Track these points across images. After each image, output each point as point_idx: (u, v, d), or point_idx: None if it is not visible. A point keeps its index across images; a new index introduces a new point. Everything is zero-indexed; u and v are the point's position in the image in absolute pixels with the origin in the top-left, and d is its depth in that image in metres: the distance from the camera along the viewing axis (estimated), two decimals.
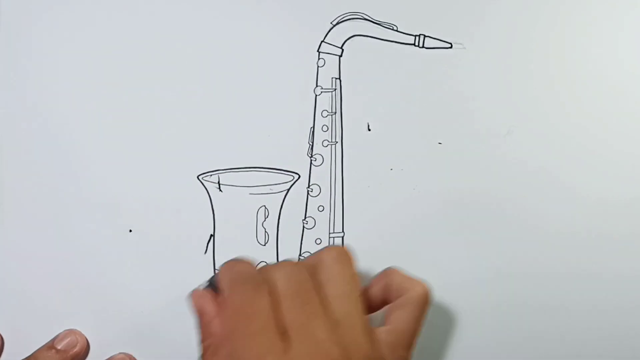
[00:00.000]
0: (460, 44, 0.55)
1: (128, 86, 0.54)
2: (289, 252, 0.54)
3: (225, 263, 0.47)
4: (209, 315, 0.46)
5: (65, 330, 0.54)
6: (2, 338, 0.54)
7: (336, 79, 0.54)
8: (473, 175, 0.54)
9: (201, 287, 0.47)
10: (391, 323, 0.46)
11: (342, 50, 0.54)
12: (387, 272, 0.48)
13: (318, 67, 0.54)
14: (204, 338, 0.46)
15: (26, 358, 0.53)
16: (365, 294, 0.47)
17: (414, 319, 0.46)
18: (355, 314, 0.44)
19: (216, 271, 0.54)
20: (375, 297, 0.48)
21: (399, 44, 0.54)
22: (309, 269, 0.45)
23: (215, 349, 0.44)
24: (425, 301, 0.46)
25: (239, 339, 0.43)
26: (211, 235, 0.54)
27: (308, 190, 0.55)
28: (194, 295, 0.47)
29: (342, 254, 0.46)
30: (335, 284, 0.45)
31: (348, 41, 0.54)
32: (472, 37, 0.55)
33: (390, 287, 0.47)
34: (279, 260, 0.54)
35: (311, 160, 0.55)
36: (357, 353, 0.43)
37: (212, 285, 0.47)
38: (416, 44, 0.54)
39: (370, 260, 0.54)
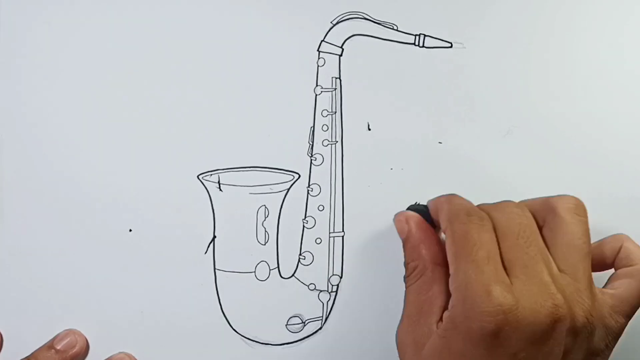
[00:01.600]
0: (460, 43, 0.55)
1: (128, 86, 0.54)
2: (289, 251, 0.54)
3: (441, 196, 0.47)
4: (416, 238, 0.47)
5: (64, 330, 0.53)
6: (1, 336, 0.54)
7: (336, 78, 0.54)
8: (473, 175, 0.54)
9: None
10: (616, 288, 0.46)
11: (342, 49, 0.54)
12: (620, 237, 0.48)
13: (318, 66, 0.54)
14: (411, 259, 0.46)
15: (26, 358, 0.53)
16: (592, 252, 0.46)
17: (639, 291, 0.46)
18: (582, 268, 0.44)
19: (216, 272, 0.54)
20: (599, 258, 0.47)
21: (399, 44, 0.54)
22: (534, 211, 0.46)
23: (421, 270, 0.46)
24: (578, 212, 0.46)
25: (466, 265, 0.43)
26: (213, 237, 0.54)
27: (308, 190, 0.55)
28: (400, 216, 0.48)
29: (578, 206, 0.46)
30: (566, 234, 0.44)
31: (348, 41, 0.54)
32: (472, 37, 0.55)
33: (621, 253, 0.47)
34: (279, 257, 0.54)
35: (311, 159, 0.54)
36: (579, 305, 0.43)
37: (416, 210, 0.49)
38: (416, 43, 0.54)
39: (370, 260, 0.54)
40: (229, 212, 0.54)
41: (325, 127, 0.54)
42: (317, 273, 0.55)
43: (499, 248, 0.44)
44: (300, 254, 0.55)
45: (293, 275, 0.55)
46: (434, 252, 0.47)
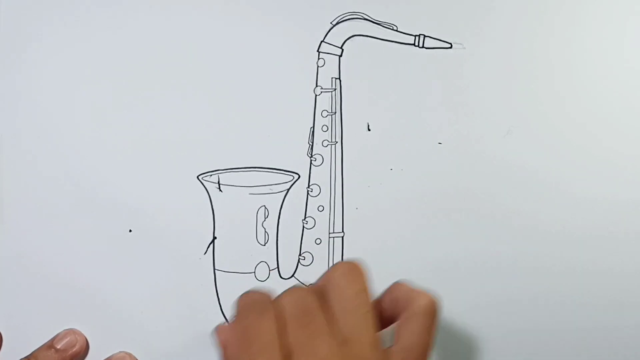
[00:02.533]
0: (460, 44, 0.55)
1: (128, 87, 0.54)
2: (289, 252, 0.54)
3: (242, 294, 0.46)
4: (223, 341, 0.45)
5: (64, 330, 0.54)
6: (0, 335, 0.54)
7: (336, 79, 0.54)
8: (473, 175, 0.54)
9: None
10: (400, 339, 0.44)
11: (342, 50, 0.54)
12: (393, 286, 0.47)
13: (318, 67, 0.54)
14: None
15: (26, 357, 0.53)
16: (376, 309, 0.45)
17: (422, 332, 0.44)
18: (363, 329, 0.43)
19: (215, 275, 0.54)
20: (385, 312, 0.46)
21: (399, 44, 0.54)
22: (318, 289, 0.45)
23: None
24: (431, 312, 0.44)
25: (242, 359, 0.43)
26: (214, 238, 0.54)
27: (308, 190, 0.55)
28: (217, 329, 0.47)
29: (351, 269, 0.44)
30: (342, 300, 0.43)
31: (348, 41, 0.54)
32: (472, 37, 0.55)
33: (397, 302, 0.46)
34: (279, 257, 0.54)
35: (311, 160, 0.55)
36: None
37: None
38: (416, 44, 0.54)
39: (370, 260, 0.54)
40: (229, 213, 0.54)
41: (325, 128, 0.54)
42: (317, 273, 0.54)
43: (287, 333, 0.43)
44: (300, 255, 0.55)
45: (293, 275, 0.55)
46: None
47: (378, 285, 0.54)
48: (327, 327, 0.43)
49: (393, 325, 0.45)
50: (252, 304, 0.45)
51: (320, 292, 0.45)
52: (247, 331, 0.43)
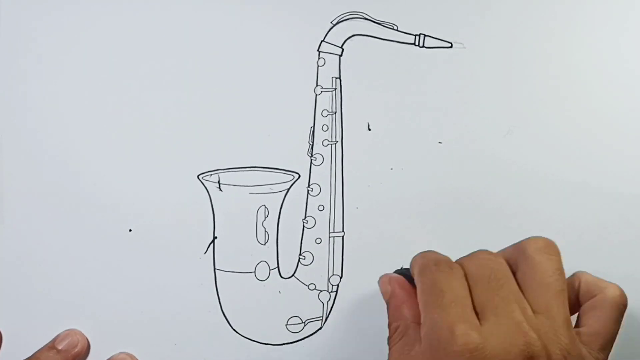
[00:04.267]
0: (461, 43, 0.55)
1: (128, 86, 0.54)
2: (289, 251, 0.54)
3: (416, 255, 0.47)
4: (399, 298, 0.46)
5: (65, 331, 0.53)
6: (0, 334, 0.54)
7: (336, 78, 0.54)
8: (473, 175, 0.54)
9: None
10: (586, 324, 0.45)
11: (342, 49, 0.54)
12: (577, 275, 0.47)
13: (318, 66, 0.54)
14: (393, 319, 0.46)
15: (27, 358, 0.53)
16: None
17: (610, 320, 0.45)
18: (556, 306, 0.43)
19: (216, 273, 0.54)
20: (572, 298, 0.46)
21: (399, 44, 0.54)
22: (507, 257, 0.45)
23: (403, 330, 0.45)
24: (620, 302, 0.45)
25: (432, 311, 0.43)
26: (214, 238, 0.54)
27: (308, 190, 0.55)
28: (384, 278, 0.48)
29: (548, 245, 0.45)
30: (537, 274, 0.43)
31: (348, 41, 0.54)
32: (472, 37, 0.55)
33: (582, 289, 0.46)
34: (279, 257, 0.54)
35: (311, 159, 0.54)
36: (555, 344, 0.42)
37: (401, 273, 0.48)
38: (416, 43, 0.54)
39: (370, 260, 0.54)
40: (229, 212, 0.54)
41: (325, 127, 0.54)
42: (317, 273, 0.55)
43: (472, 294, 0.43)
44: (300, 254, 0.55)
45: (293, 275, 0.55)
46: (416, 312, 0.46)
47: (376, 287, 0.54)
48: (520, 296, 0.43)
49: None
50: (437, 260, 0.45)
51: (510, 260, 0.45)
52: (438, 283, 0.43)
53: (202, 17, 0.54)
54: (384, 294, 0.47)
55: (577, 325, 0.46)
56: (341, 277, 0.54)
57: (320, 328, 0.54)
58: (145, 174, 0.54)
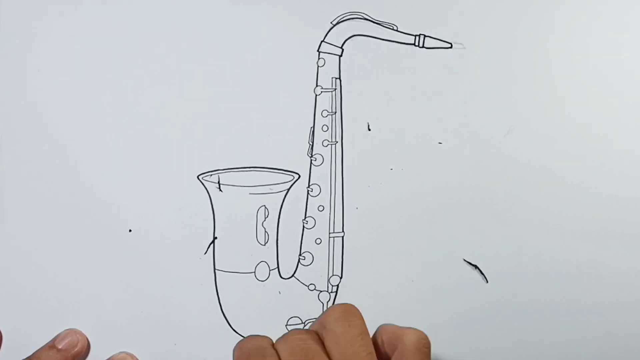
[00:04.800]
0: (461, 44, 0.55)
1: (128, 86, 0.54)
2: (289, 251, 0.54)
3: (240, 341, 0.46)
4: None
5: (65, 330, 0.54)
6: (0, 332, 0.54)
7: (336, 78, 0.54)
8: (473, 175, 0.54)
9: None
10: None
11: (342, 50, 0.54)
12: (380, 329, 0.46)
13: (318, 67, 0.54)
14: None
15: (27, 358, 0.53)
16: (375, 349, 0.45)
17: None
18: None
19: (216, 274, 0.54)
20: (380, 353, 0.46)
21: (399, 44, 0.54)
22: (315, 335, 0.45)
23: None
24: (421, 346, 0.44)
25: None
26: (214, 238, 0.54)
27: (308, 190, 0.55)
28: None
29: (346, 312, 0.44)
30: (340, 346, 0.43)
31: (348, 41, 0.54)
32: (472, 37, 0.55)
33: (385, 343, 0.46)
34: (279, 257, 0.54)
35: (311, 160, 0.55)
36: None
37: None
38: (416, 44, 0.54)
39: (370, 260, 0.54)
40: (229, 212, 0.54)
41: (325, 128, 0.54)
42: (317, 273, 0.55)
43: None
44: (300, 254, 0.55)
45: (293, 275, 0.55)
46: None
47: (376, 287, 0.54)
48: None
49: None
50: (254, 349, 0.44)
51: (318, 336, 0.44)
52: None
53: (202, 17, 0.55)
54: None
55: None
56: (341, 278, 0.54)
57: None
58: (145, 174, 0.54)
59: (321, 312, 0.54)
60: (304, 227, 0.55)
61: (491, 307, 0.54)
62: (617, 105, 0.55)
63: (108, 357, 0.54)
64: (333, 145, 0.55)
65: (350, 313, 0.44)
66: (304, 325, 0.54)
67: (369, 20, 0.54)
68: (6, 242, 0.54)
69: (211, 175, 0.54)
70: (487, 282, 0.54)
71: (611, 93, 0.54)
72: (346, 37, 0.54)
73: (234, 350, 0.46)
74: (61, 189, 0.53)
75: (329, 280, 0.54)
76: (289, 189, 0.54)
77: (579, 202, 0.54)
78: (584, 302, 0.54)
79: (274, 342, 0.45)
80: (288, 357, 0.43)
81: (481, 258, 0.54)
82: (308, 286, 0.54)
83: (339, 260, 0.54)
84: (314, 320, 0.54)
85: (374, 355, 0.44)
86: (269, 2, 0.54)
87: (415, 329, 0.45)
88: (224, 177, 0.54)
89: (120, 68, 0.54)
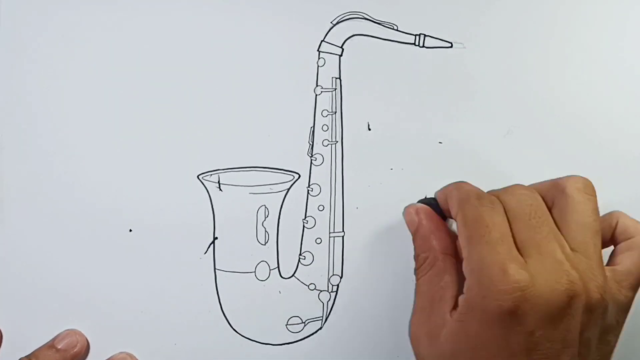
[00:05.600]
0: (461, 43, 0.55)
1: (128, 86, 0.54)
2: (289, 251, 0.54)
3: (449, 185, 0.48)
4: (427, 229, 0.47)
5: (65, 330, 0.54)
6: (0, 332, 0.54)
7: (336, 78, 0.54)
8: (473, 175, 0.54)
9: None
10: (619, 263, 0.46)
11: (342, 49, 0.54)
12: (615, 214, 0.49)
13: (318, 66, 0.54)
14: (421, 250, 0.47)
15: (26, 357, 0.53)
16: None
17: None
18: (592, 245, 0.44)
19: (216, 272, 0.54)
20: (603, 236, 0.47)
21: (399, 44, 0.54)
22: (543, 194, 0.46)
23: (432, 261, 0.46)
24: None
25: (480, 247, 0.43)
26: (214, 238, 0.54)
27: (308, 190, 0.55)
28: (410, 208, 0.49)
29: (587, 186, 0.46)
30: (577, 213, 0.45)
31: (348, 41, 0.54)
32: (472, 37, 0.55)
33: (617, 229, 0.48)
34: (279, 257, 0.54)
35: (311, 159, 0.54)
36: (592, 282, 0.43)
37: (426, 203, 0.49)
38: (416, 43, 0.54)
39: (370, 260, 0.54)
40: (229, 212, 0.54)
41: (325, 127, 0.54)
42: (317, 273, 0.55)
43: (511, 230, 0.44)
44: (300, 254, 0.55)
45: (293, 275, 0.55)
46: (444, 242, 0.47)
47: (376, 287, 0.54)
48: (559, 234, 0.44)
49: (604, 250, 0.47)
50: (478, 194, 0.46)
51: (546, 196, 0.46)
52: (483, 218, 0.44)
53: (201, 17, 0.54)
54: (409, 224, 0.49)
55: (611, 263, 0.47)
56: (341, 277, 0.55)
57: (320, 328, 0.54)
58: (145, 174, 0.54)
59: (321, 312, 0.54)
60: (304, 226, 0.55)
61: None
62: (618, 105, 0.55)
63: (108, 357, 0.54)
64: (333, 145, 0.55)
65: (590, 187, 0.46)
66: (304, 325, 0.54)
67: (369, 20, 0.54)
68: (6, 242, 0.54)
69: (211, 175, 0.54)
70: None
71: (612, 93, 0.55)
72: (346, 37, 0.54)
73: (446, 193, 0.47)
74: (61, 189, 0.53)
75: (329, 279, 0.54)
76: (289, 189, 0.54)
77: None
78: None
79: (493, 192, 0.46)
80: (515, 209, 0.45)
81: None
82: (308, 286, 0.54)
83: (339, 260, 0.54)
84: (313, 319, 0.54)
85: (601, 234, 0.46)
86: (269, 2, 0.54)
87: (576, 176, 0.47)
88: (224, 177, 0.54)
89: (121, 68, 0.54)
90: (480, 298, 0.43)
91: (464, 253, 0.45)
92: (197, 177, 0.54)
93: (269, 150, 0.54)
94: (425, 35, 0.54)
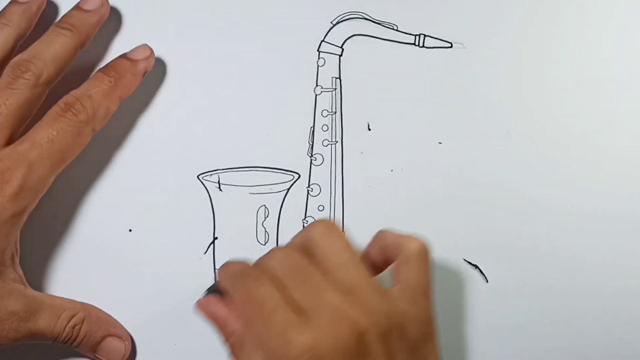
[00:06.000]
0: (461, 43, 0.55)
1: None
2: None
3: (221, 267, 0.47)
4: (222, 316, 0.46)
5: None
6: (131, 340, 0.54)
7: (336, 78, 0.54)
8: (473, 176, 0.54)
9: (203, 296, 0.48)
10: (401, 281, 0.46)
11: (342, 49, 0.54)
12: (379, 235, 0.48)
13: (318, 66, 0.54)
14: (226, 338, 0.46)
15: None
16: (365, 259, 0.47)
17: (421, 272, 0.46)
18: (362, 278, 0.44)
19: (216, 274, 0.54)
20: (376, 261, 0.48)
21: (399, 44, 0.54)
22: (300, 248, 0.46)
23: (240, 344, 0.45)
24: (424, 253, 0.47)
25: (257, 324, 0.43)
26: (214, 238, 0.54)
27: (308, 190, 0.55)
28: (201, 304, 0.47)
29: (329, 227, 0.46)
30: (332, 256, 0.44)
31: (348, 41, 0.54)
32: (472, 36, 0.55)
33: (387, 249, 0.47)
34: None
35: (311, 159, 0.55)
36: (376, 312, 0.43)
37: (213, 291, 0.48)
38: (416, 43, 0.54)
39: None
40: (229, 212, 0.54)
41: (325, 127, 0.54)
42: None
43: (287, 293, 0.43)
44: None
45: None
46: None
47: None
48: (327, 281, 0.44)
49: (386, 270, 0.48)
50: (242, 272, 0.45)
51: (304, 249, 0.45)
52: (251, 297, 0.43)
53: (201, 16, 0.55)
54: (206, 319, 0.47)
55: (396, 282, 0.46)
56: None
57: None
58: (145, 174, 0.54)
59: None
60: (304, 227, 0.55)
61: (491, 307, 0.54)
62: (618, 105, 0.55)
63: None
64: (333, 145, 0.55)
65: (334, 227, 0.46)
66: None
67: (369, 20, 0.54)
68: None
69: (211, 175, 0.54)
70: (487, 282, 0.54)
71: (612, 93, 0.55)
72: (346, 37, 0.54)
73: (220, 276, 0.46)
74: (61, 189, 0.53)
75: None
76: (289, 189, 0.54)
77: (579, 201, 0.54)
78: (587, 301, 0.54)
79: (257, 261, 0.46)
80: (279, 272, 0.44)
81: (481, 258, 0.54)
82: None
83: None
84: None
85: (363, 263, 0.45)
86: (269, 2, 0.54)
87: (415, 237, 0.47)
88: (224, 177, 0.54)
89: None
90: None
91: (248, 336, 0.44)
92: (197, 177, 0.54)
93: (269, 150, 0.54)
94: (425, 35, 0.54)
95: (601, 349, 0.54)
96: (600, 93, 0.54)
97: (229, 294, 0.46)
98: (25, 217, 0.49)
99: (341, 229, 0.46)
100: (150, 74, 0.54)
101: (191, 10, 0.54)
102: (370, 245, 0.48)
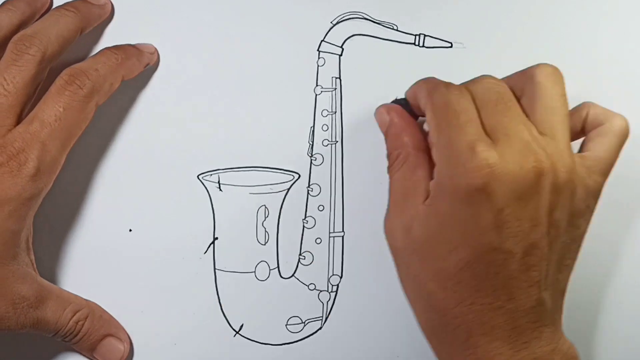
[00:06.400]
0: (461, 43, 0.55)
1: (128, 86, 0.54)
2: (289, 251, 0.54)
3: (417, 81, 0.49)
4: (398, 126, 0.48)
5: None
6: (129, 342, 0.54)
7: (336, 78, 0.54)
8: None
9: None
10: (589, 149, 0.47)
11: (342, 49, 0.54)
12: (585, 105, 0.49)
13: (318, 66, 0.54)
14: (393, 148, 0.48)
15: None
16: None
17: (612, 148, 0.47)
18: (560, 129, 0.45)
19: (216, 273, 0.54)
20: (573, 127, 0.48)
21: (399, 44, 0.54)
22: (511, 85, 0.47)
23: (404, 157, 0.47)
24: (624, 132, 0.48)
25: (449, 130, 0.44)
26: (214, 238, 0.54)
27: (308, 190, 0.55)
28: (381, 108, 0.50)
29: (555, 72, 0.47)
30: (544, 98, 0.45)
31: (348, 40, 0.54)
32: (472, 37, 0.55)
33: (588, 118, 0.48)
34: (279, 257, 0.54)
35: (311, 159, 0.55)
36: (560, 162, 0.44)
37: (397, 103, 0.50)
38: (416, 43, 0.54)
39: (370, 260, 0.54)
40: (229, 212, 0.54)
41: (325, 127, 0.54)
42: (317, 273, 0.55)
43: (480, 117, 0.45)
44: (300, 254, 0.55)
45: (293, 275, 0.55)
46: (416, 139, 0.48)
47: (376, 287, 0.54)
48: (526, 118, 0.45)
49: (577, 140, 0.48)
50: (446, 84, 0.47)
51: (515, 85, 0.47)
52: (451, 104, 0.45)
53: (202, 16, 0.55)
54: (381, 124, 0.49)
55: (582, 150, 0.48)
56: (341, 277, 0.54)
57: (320, 328, 0.54)
58: (145, 174, 0.54)
59: (321, 312, 0.54)
60: (304, 226, 0.55)
61: None
62: (618, 106, 0.54)
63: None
64: (333, 145, 0.55)
65: (559, 74, 0.47)
66: (304, 325, 0.54)
67: (369, 20, 0.54)
68: None
69: (211, 175, 0.54)
70: None
71: (612, 93, 0.54)
72: (346, 37, 0.54)
73: (416, 87, 0.48)
74: (60, 189, 0.53)
75: (329, 279, 0.54)
76: (289, 189, 0.54)
77: None
78: (587, 302, 0.54)
79: (463, 84, 0.47)
80: (482, 96, 0.45)
81: None
82: (308, 286, 0.54)
83: (339, 260, 0.54)
84: (313, 319, 0.54)
85: (569, 119, 0.46)
86: (269, 2, 0.54)
87: (621, 115, 0.48)
88: (224, 177, 0.54)
89: None
90: (449, 178, 0.44)
91: (433, 140, 0.45)
92: (197, 177, 0.54)
93: (269, 150, 0.54)
94: (425, 35, 0.54)
95: (601, 349, 0.54)
96: (600, 93, 0.54)
97: (421, 101, 0.47)
98: (40, 200, 0.49)
99: (564, 78, 0.46)
100: (150, 74, 0.54)
101: (191, 10, 0.54)
102: (573, 110, 0.49)
